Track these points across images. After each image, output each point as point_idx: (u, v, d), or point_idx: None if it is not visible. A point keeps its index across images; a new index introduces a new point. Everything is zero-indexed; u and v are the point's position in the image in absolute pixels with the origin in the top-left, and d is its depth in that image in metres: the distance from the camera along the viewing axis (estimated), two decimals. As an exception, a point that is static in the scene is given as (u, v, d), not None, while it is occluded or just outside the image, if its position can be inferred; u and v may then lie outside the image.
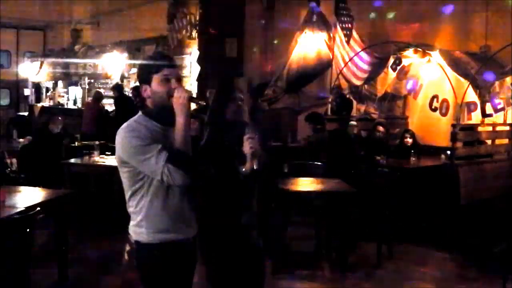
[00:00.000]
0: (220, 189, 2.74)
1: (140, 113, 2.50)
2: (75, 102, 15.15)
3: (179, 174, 2.31)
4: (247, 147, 2.65)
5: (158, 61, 2.46)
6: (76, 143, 8.53)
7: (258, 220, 2.88)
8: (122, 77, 13.33)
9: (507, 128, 7.55)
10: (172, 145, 2.36)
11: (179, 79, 2.47)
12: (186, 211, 2.50)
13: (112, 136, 2.44)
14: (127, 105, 9.96)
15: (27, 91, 16.88)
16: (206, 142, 2.77)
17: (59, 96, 15.75)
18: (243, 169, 2.67)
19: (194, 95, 10.90)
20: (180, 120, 2.34)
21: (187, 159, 2.34)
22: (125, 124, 2.44)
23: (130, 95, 10.77)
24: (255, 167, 2.63)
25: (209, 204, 2.78)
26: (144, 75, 2.47)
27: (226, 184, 2.73)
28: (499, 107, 7.40)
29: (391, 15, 9.07)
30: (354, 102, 9.05)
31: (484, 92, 7.23)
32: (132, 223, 2.50)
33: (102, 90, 12.22)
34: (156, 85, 2.42)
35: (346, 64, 8.67)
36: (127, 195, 2.49)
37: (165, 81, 2.41)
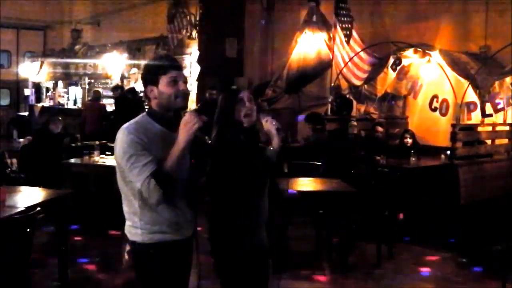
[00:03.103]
0: (233, 187, 2.73)
1: (144, 113, 2.49)
2: (75, 102, 15.15)
3: (157, 193, 2.30)
4: (269, 125, 2.68)
5: (166, 62, 2.46)
6: (77, 143, 8.52)
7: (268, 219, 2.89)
8: (122, 77, 13.33)
9: (507, 128, 7.55)
10: (167, 153, 2.34)
11: (186, 82, 2.47)
12: (182, 212, 2.50)
13: (113, 136, 2.45)
14: (129, 105, 9.95)
15: (27, 91, 16.89)
16: (216, 142, 2.76)
17: (59, 96, 15.75)
18: (271, 148, 2.69)
19: (194, 95, 10.94)
20: (180, 143, 2.30)
21: (171, 183, 2.33)
22: (126, 124, 2.43)
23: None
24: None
25: (221, 203, 2.78)
26: (151, 76, 2.45)
27: (240, 182, 2.72)
28: (499, 107, 7.40)
29: (391, 15, 9.09)
30: (354, 102, 9.06)
31: (484, 92, 7.24)
32: (127, 223, 2.50)
33: (101, 90, 12.22)
34: (163, 86, 2.41)
35: (346, 64, 8.67)
36: (122, 195, 2.49)
37: (173, 83, 2.41)
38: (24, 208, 3.89)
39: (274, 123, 2.70)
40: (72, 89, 15.52)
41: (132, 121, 2.45)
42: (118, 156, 2.39)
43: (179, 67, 2.49)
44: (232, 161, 2.71)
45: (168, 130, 2.43)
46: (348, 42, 8.68)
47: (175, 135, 2.35)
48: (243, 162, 2.69)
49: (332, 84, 8.89)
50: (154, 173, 2.29)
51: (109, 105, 12.14)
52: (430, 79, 8.41)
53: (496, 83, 7.35)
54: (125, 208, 2.49)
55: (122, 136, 2.38)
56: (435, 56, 7.85)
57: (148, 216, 2.43)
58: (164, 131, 2.43)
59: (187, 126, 2.29)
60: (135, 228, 2.46)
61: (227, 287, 2.83)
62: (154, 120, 2.44)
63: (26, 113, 16.44)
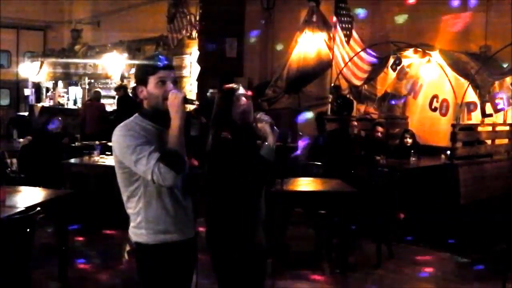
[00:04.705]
0: (232, 188, 2.73)
1: (136, 113, 2.49)
2: (75, 102, 15.15)
3: (170, 174, 2.27)
4: (264, 120, 2.65)
5: (155, 62, 2.44)
6: (76, 143, 8.52)
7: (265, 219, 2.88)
8: (122, 77, 13.32)
9: (507, 128, 7.55)
10: (166, 146, 2.34)
11: (175, 82, 2.46)
12: (185, 211, 2.50)
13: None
14: (131, 105, 9.95)
15: (27, 91, 16.88)
16: (214, 142, 2.75)
17: (59, 96, 15.75)
18: (266, 144, 2.66)
19: (194, 95, 10.96)
20: (174, 121, 2.32)
21: (180, 160, 2.31)
22: (121, 124, 2.44)
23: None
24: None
25: (220, 203, 2.78)
26: (141, 76, 2.45)
27: (239, 183, 2.71)
28: (499, 107, 7.40)
29: (391, 15, 9.09)
30: (354, 102, 9.06)
31: (484, 92, 7.24)
32: (131, 224, 2.49)
33: (99, 90, 12.21)
34: (152, 87, 2.41)
35: (346, 64, 8.68)
36: (124, 197, 2.48)
37: (161, 84, 2.40)
38: (24, 208, 3.89)
39: (267, 118, 2.66)
40: (72, 89, 15.52)
41: (125, 121, 2.45)
42: (121, 151, 2.36)
43: (168, 67, 2.45)
44: (231, 161, 2.70)
45: (161, 127, 2.42)
46: (348, 42, 8.69)
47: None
48: (242, 163, 2.69)
49: (332, 84, 8.89)
50: (161, 157, 2.28)
51: (109, 105, 12.14)
52: (430, 79, 8.42)
53: (496, 83, 7.36)
54: (129, 210, 2.49)
55: (119, 134, 2.39)
56: (435, 56, 7.85)
57: (151, 216, 2.42)
58: (158, 128, 2.43)
59: (173, 103, 2.32)
60: (139, 228, 2.45)
61: (224, 286, 2.83)
62: (147, 119, 2.44)
63: (26, 113, 16.44)
